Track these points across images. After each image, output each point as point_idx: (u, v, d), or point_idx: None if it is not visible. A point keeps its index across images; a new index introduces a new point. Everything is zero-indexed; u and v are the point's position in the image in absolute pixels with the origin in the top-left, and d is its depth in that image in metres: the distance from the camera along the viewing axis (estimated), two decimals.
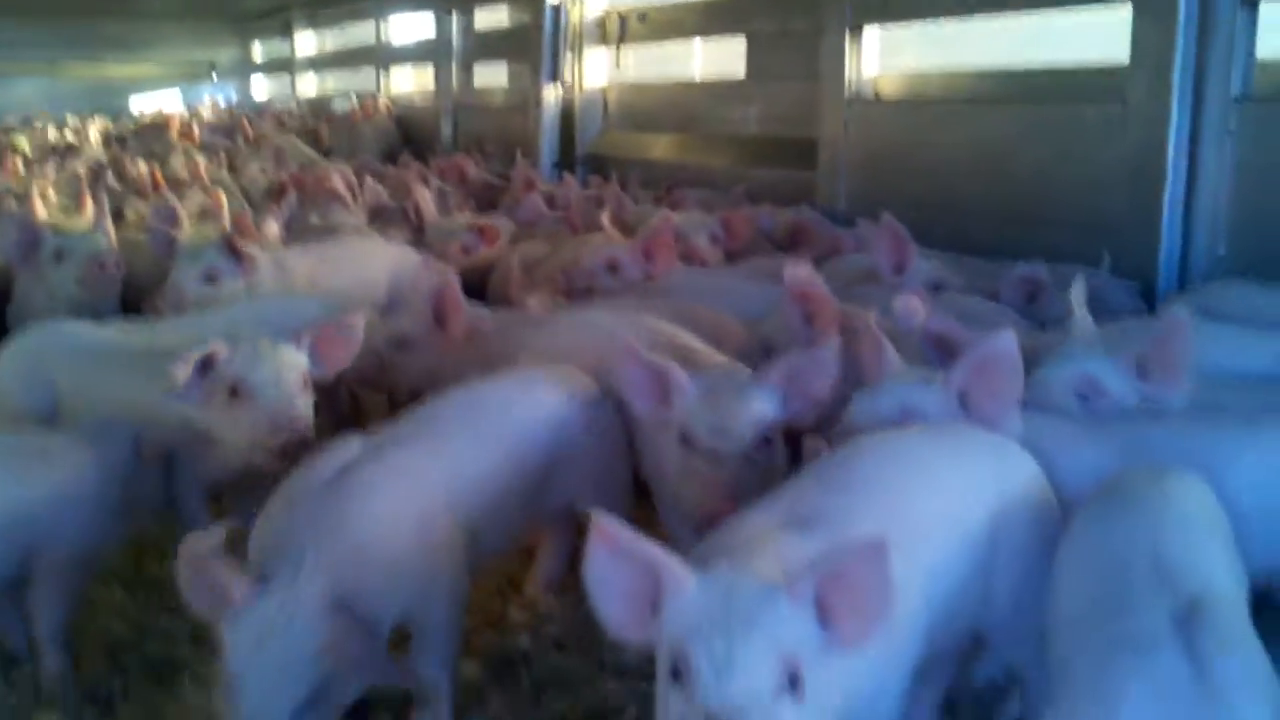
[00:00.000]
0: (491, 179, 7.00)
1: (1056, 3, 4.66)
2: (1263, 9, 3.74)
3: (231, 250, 3.79)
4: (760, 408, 2.29)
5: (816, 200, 5.42)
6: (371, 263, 4.21)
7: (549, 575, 2.85)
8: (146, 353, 2.93)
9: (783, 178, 5.83)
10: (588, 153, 7.63)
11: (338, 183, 5.73)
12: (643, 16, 7.33)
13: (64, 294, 3.92)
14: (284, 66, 13.58)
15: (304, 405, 2.64)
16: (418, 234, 5.14)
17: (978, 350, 2.25)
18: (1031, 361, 2.51)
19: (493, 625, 2.75)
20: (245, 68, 15.00)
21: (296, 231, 4.84)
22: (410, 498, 2.17)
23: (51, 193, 5.82)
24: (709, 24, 6.98)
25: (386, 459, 2.22)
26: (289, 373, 2.63)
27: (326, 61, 13.07)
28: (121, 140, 9.80)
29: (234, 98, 14.54)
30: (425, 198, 5.16)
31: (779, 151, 6.06)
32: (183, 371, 2.54)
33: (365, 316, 2.91)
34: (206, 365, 2.59)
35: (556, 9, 7.56)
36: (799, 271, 2.90)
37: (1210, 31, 3.77)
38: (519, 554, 2.96)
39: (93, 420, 2.69)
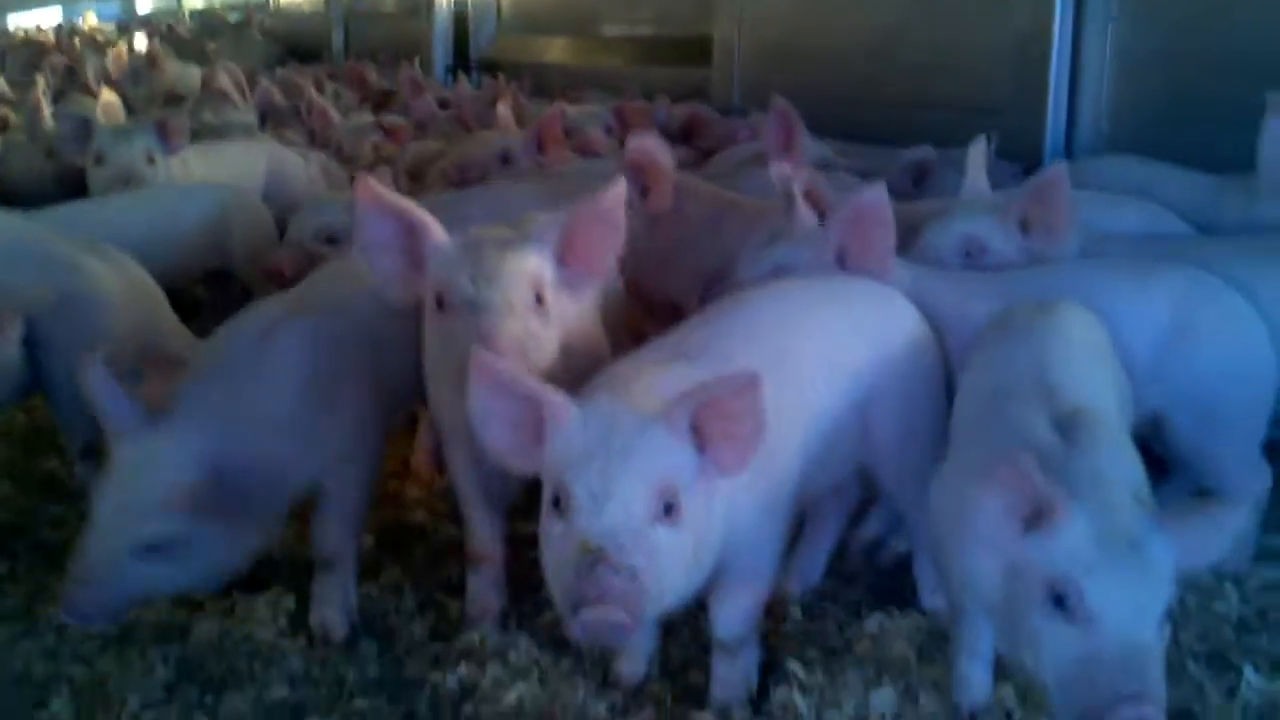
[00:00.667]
0: (389, 86, 6.88)
1: None
2: None
3: (163, 133, 3.80)
4: (526, 258, 1.90)
5: (711, 97, 5.42)
6: (256, 163, 4.16)
7: None
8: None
9: (677, 76, 5.80)
10: (482, 57, 7.52)
11: (226, 83, 5.62)
12: None
13: None
14: None
15: None
16: (312, 135, 5.09)
17: (849, 204, 2.27)
18: (918, 231, 2.56)
19: (389, 503, 2.76)
20: None
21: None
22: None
23: None
24: None
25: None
26: None
27: None
28: None
29: (116, 13, 14.05)
30: (322, 100, 5.10)
31: (673, 51, 6.04)
32: None
33: None
34: None
35: None
36: (642, 142, 2.82)
37: None
38: (411, 437, 2.96)
39: None
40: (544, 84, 6.47)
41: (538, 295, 1.88)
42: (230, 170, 4.04)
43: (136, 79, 6.79)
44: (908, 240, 2.48)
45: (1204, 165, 3.17)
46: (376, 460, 2.32)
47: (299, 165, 4.20)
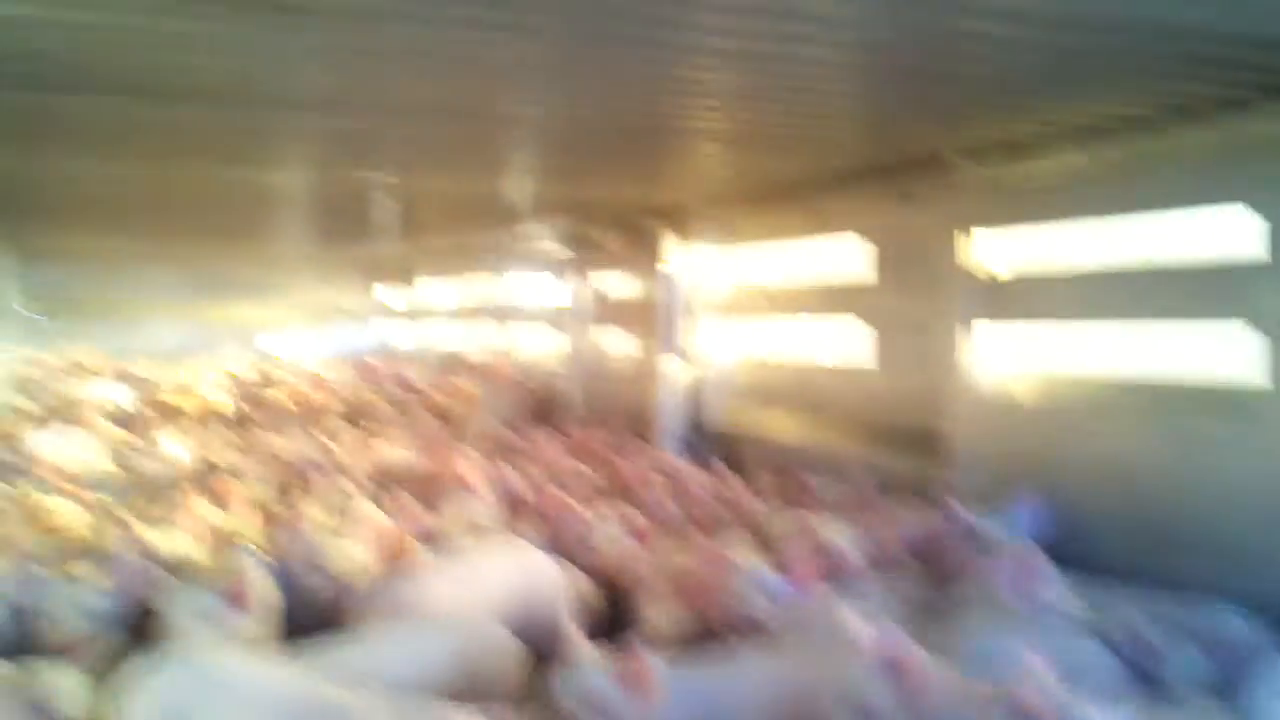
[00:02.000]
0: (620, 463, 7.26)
1: (1186, 314, 4.65)
2: None
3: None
4: None
5: (939, 491, 5.46)
6: (509, 579, 4.32)
7: None
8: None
9: (905, 465, 5.93)
10: (712, 428, 7.84)
11: (470, 474, 5.82)
12: (765, 293, 7.64)
13: None
14: (407, 313, 14.23)
15: None
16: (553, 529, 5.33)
17: None
18: None
19: None
20: (369, 311, 15.80)
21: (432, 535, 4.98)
22: None
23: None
24: (831, 306, 7.15)
25: None
26: None
27: (450, 312, 13.72)
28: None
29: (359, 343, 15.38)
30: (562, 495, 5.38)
31: (902, 439, 6.14)
32: None
33: None
34: None
35: (674, 280, 7.88)
36: (893, 639, 3.07)
37: None
38: None
39: None
40: (771, 458, 6.67)
41: None
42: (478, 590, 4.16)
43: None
44: None
45: None
46: None
47: (555, 580, 4.39)
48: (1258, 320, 4.17)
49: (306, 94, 4.39)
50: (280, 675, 3.22)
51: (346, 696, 3.02)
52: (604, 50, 3.64)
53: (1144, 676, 3.44)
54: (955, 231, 5.63)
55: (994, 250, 5.57)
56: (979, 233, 5.56)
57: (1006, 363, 5.55)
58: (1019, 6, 3.09)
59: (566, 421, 8.90)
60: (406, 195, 7.56)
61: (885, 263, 6.42)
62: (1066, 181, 5.09)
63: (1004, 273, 5.53)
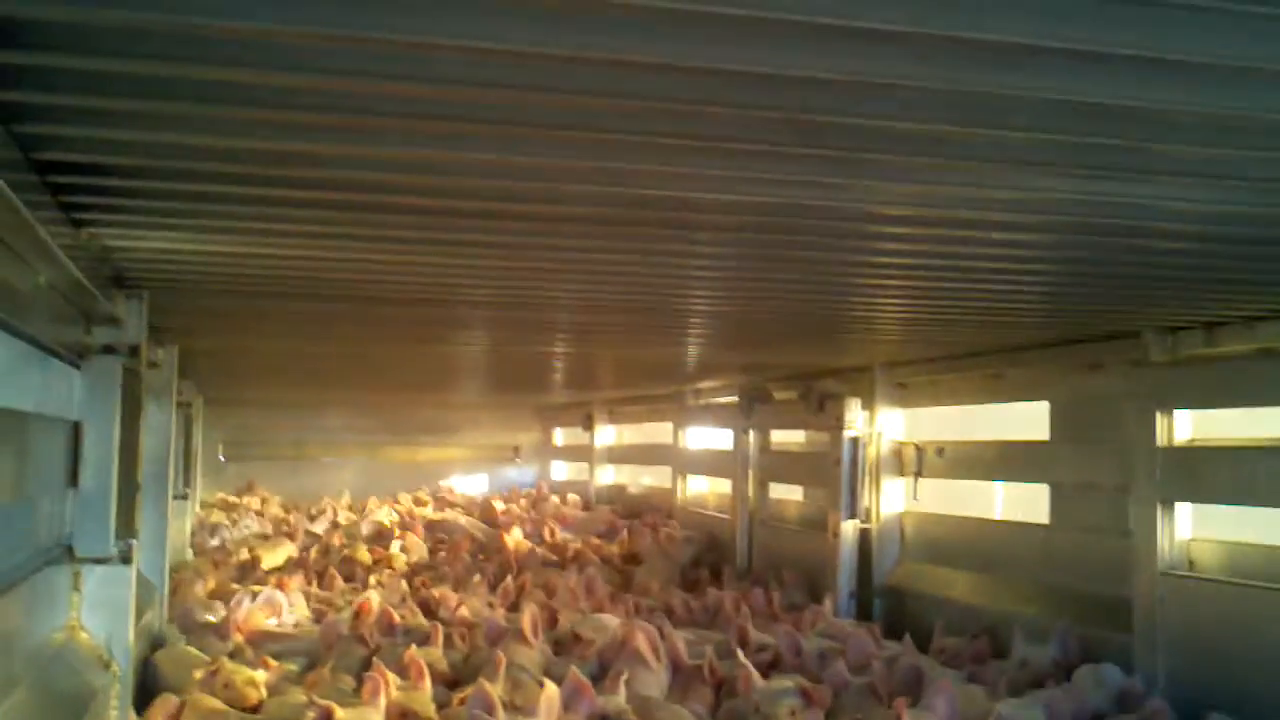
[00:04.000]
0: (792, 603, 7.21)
1: None
2: None
3: None
4: None
5: (1135, 667, 5.31)
6: None
7: None
8: None
9: (1095, 635, 5.73)
10: (884, 584, 7.73)
11: (644, 645, 5.67)
12: (940, 451, 7.57)
13: None
14: (583, 455, 14.50)
15: None
16: (716, 693, 5.30)
17: None
18: None
19: None
20: (546, 452, 16.14)
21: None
22: None
23: None
24: (1008, 468, 7.14)
25: None
26: None
27: (623, 454, 13.91)
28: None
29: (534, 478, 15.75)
30: (747, 665, 5.29)
31: (1087, 606, 5.98)
32: None
33: None
34: None
35: (855, 440, 7.89)
36: None
37: None
38: None
39: None
40: (949, 619, 6.55)
41: None
42: None
43: None
44: None
45: None
46: None
47: None
48: None
49: (494, 298, 4.65)
50: None
51: None
52: (786, 254, 3.74)
53: None
54: (1143, 403, 5.51)
55: (1182, 425, 5.44)
56: (1168, 406, 5.43)
57: (1193, 534, 5.45)
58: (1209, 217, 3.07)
59: (730, 575, 8.86)
60: (584, 361, 7.81)
61: (1071, 430, 6.32)
62: (1263, 362, 4.96)
63: (1192, 447, 5.40)
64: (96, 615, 4.01)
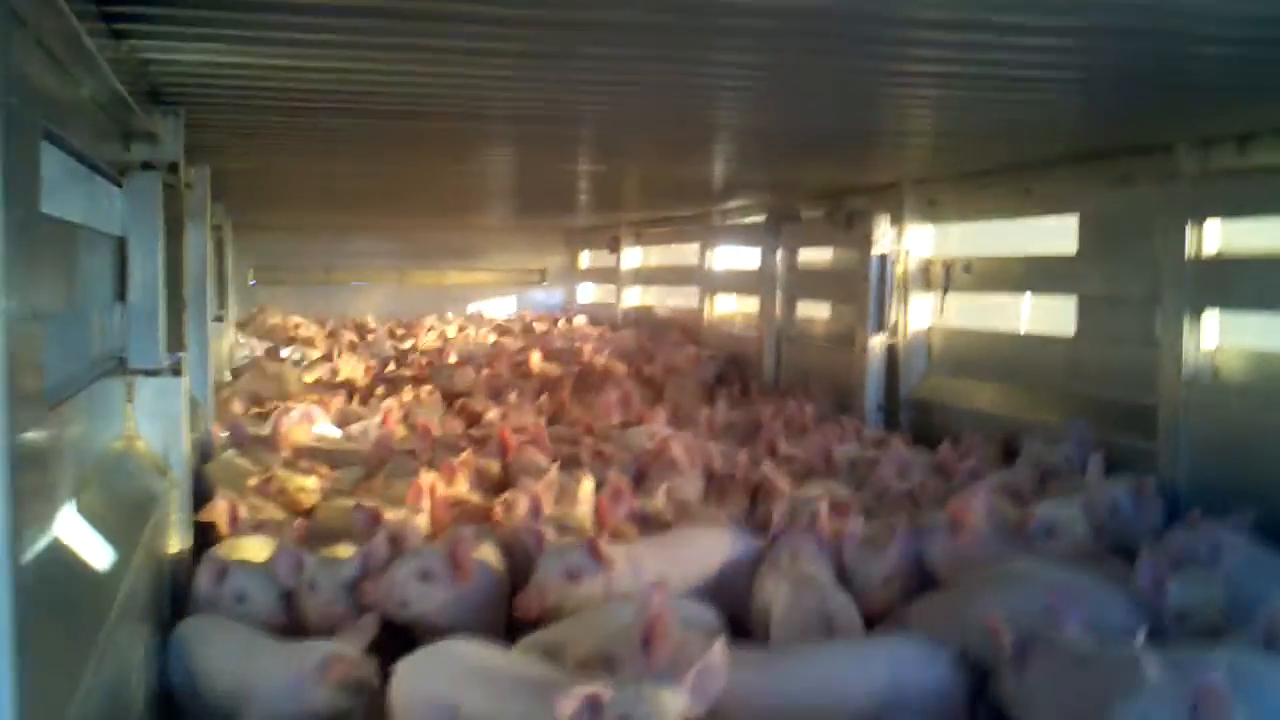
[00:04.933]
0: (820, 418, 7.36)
1: None
2: None
3: (594, 553, 4.06)
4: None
5: (1159, 472, 5.44)
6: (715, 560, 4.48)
7: None
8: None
9: (1117, 443, 5.85)
10: (911, 396, 7.87)
11: (679, 453, 5.92)
12: (968, 266, 7.60)
13: None
14: (609, 277, 14.57)
15: None
16: (752, 503, 5.50)
17: None
18: None
19: None
20: (572, 276, 16.24)
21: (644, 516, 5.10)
22: None
23: None
24: (1036, 281, 7.18)
25: None
26: (671, 715, 2.84)
27: (650, 276, 13.97)
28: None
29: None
30: (774, 473, 5.48)
31: (1112, 415, 6.09)
32: (568, 708, 2.76)
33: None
34: (594, 707, 2.79)
35: (883, 258, 7.91)
36: None
37: None
38: None
39: None
40: (975, 428, 6.69)
41: None
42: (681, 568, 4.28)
43: None
44: None
45: None
46: None
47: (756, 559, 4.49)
48: None
49: (521, 110, 4.64)
50: (515, 658, 3.51)
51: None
52: (818, 61, 3.72)
53: None
54: (1173, 216, 5.52)
55: (1213, 236, 5.46)
56: (1199, 218, 5.43)
57: (1220, 343, 5.53)
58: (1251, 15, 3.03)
59: (757, 391, 9.03)
60: (612, 179, 7.79)
61: (1100, 243, 6.34)
62: None
63: (1222, 258, 5.45)
64: (152, 425, 4.17)
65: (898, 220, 7.90)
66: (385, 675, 3.45)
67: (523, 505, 4.80)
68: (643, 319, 13.44)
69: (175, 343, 4.21)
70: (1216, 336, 5.52)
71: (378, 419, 7.01)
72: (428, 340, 12.48)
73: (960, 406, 7.35)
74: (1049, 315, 7.11)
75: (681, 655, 3.10)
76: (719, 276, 11.30)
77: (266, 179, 8.20)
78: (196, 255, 5.80)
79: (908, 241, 7.92)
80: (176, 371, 4.16)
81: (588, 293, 16.08)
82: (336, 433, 7.03)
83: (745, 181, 8.32)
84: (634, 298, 14.17)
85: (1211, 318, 5.49)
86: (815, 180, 8.26)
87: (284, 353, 11.13)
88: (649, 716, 2.84)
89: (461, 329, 13.59)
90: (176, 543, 4.26)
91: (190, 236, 5.01)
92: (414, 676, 3.41)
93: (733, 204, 10.46)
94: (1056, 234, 6.75)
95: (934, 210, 7.90)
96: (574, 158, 6.79)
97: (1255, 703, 2.76)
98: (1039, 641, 3.22)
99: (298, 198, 10.22)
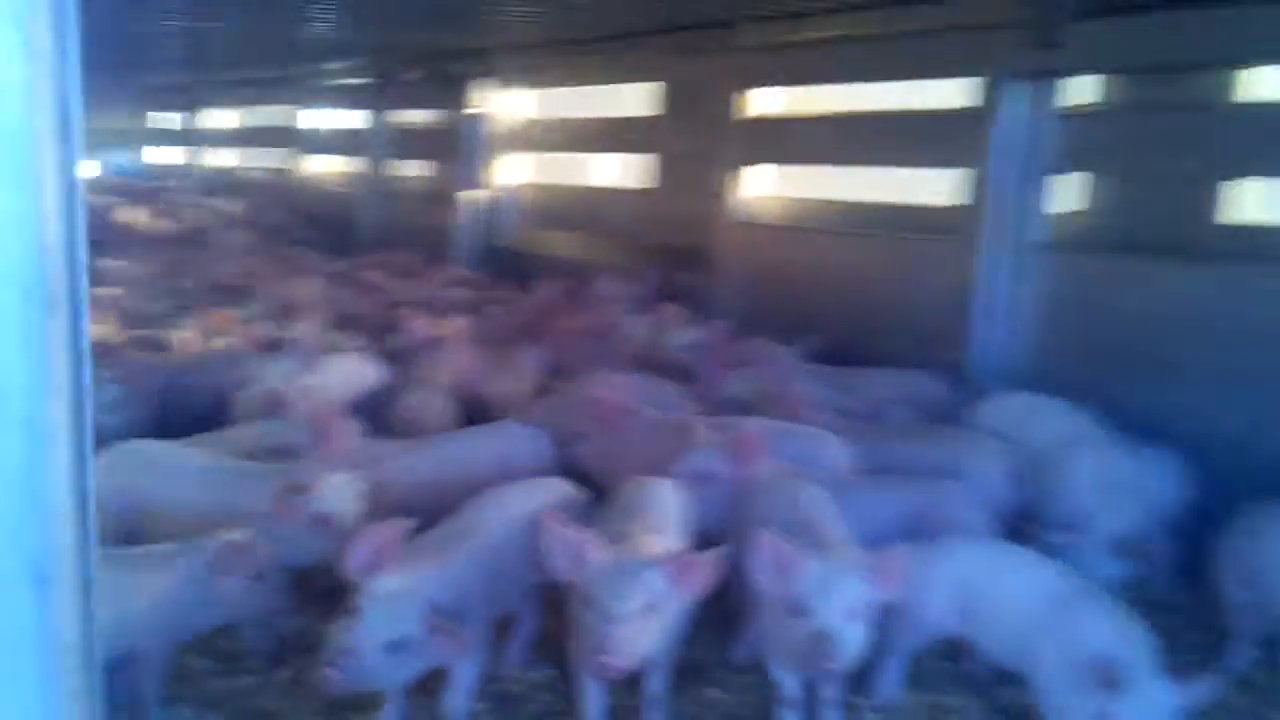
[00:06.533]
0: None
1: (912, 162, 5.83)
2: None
3: None
4: (649, 584, 2.72)
5: (715, 301, 6.56)
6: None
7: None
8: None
9: (677, 278, 6.92)
10: (502, 245, 8.65)
11: (304, 292, 6.50)
12: (557, 127, 8.41)
13: None
14: (183, 139, 14.08)
15: None
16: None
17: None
18: None
19: None
20: (139, 136, 15.53)
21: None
22: None
23: None
24: (620, 143, 7.98)
25: None
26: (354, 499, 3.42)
27: (232, 138, 13.73)
28: None
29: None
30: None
31: (673, 255, 7.10)
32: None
33: None
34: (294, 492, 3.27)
35: (480, 118, 8.53)
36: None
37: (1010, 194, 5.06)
38: None
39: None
40: (556, 272, 7.55)
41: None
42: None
43: None
44: None
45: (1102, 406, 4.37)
46: None
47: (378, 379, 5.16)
48: (956, 158, 5.30)
49: None
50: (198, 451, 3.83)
51: (253, 466, 3.68)
52: None
53: None
54: (732, 83, 6.54)
55: (763, 101, 6.54)
56: (750, 86, 6.50)
57: (765, 192, 6.64)
58: None
59: (358, 243, 9.51)
60: (191, 34, 7.76)
61: (671, 108, 7.26)
62: (829, 48, 6.04)
63: (770, 120, 6.52)
64: None
65: (495, 84, 8.55)
66: None
67: None
68: (220, 177, 13.23)
69: None
70: (756, 188, 6.67)
71: None
72: None
73: (543, 254, 8.21)
74: (631, 171, 7.93)
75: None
76: (312, 137, 11.40)
77: None
78: None
79: (504, 103, 8.61)
80: None
81: (162, 154, 15.43)
82: None
83: (345, 43, 8.56)
84: (215, 159, 13.84)
85: (750, 172, 6.61)
86: (416, 44, 8.65)
87: None
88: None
89: None
90: None
91: None
92: (102, 472, 3.59)
93: (333, 64, 10.58)
94: (642, 99, 7.56)
95: (530, 75, 8.56)
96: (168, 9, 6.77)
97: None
98: (626, 416, 4.12)
99: None
